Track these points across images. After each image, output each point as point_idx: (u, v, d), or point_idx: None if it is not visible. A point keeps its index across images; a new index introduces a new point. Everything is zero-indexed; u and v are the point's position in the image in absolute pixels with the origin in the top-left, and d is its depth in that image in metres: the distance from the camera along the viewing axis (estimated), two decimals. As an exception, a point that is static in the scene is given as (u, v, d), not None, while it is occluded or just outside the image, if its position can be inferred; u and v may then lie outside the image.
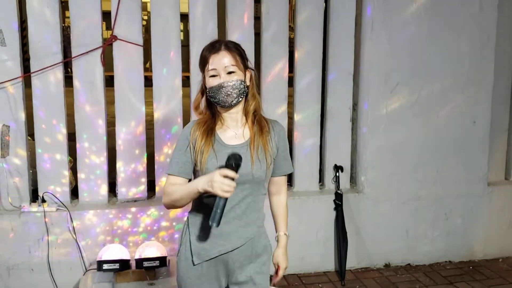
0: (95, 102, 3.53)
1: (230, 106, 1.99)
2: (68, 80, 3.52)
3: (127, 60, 3.54)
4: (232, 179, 1.78)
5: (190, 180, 2.00)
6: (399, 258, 4.12)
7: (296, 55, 3.82)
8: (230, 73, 1.95)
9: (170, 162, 2.03)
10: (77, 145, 3.57)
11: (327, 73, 3.90)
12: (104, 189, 3.63)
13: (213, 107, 2.04)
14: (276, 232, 2.23)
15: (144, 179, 3.71)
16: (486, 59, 4.02)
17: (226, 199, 1.79)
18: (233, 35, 3.62)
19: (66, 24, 9.46)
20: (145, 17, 8.56)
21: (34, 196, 3.56)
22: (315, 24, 3.79)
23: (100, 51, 3.48)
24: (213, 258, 2.02)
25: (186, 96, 3.67)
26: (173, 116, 3.66)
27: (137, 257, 3.30)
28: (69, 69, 3.82)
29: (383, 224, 4.04)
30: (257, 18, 3.66)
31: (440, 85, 3.97)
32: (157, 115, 3.66)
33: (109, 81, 3.62)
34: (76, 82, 3.50)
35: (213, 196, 1.82)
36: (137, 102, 3.60)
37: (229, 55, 1.96)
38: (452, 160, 4.09)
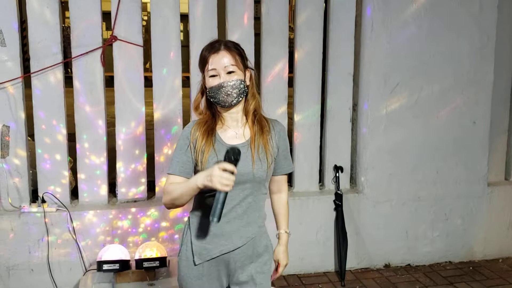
0: (95, 103, 3.53)
1: (230, 106, 1.99)
2: (68, 80, 3.51)
3: (127, 60, 3.54)
4: (232, 173, 1.77)
5: None
6: (399, 259, 4.12)
7: (296, 55, 3.82)
8: (230, 73, 1.96)
9: (170, 162, 2.03)
10: (77, 146, 3.57)
11: (327, 73, 3.90)
12: (104, 189, 3.63)
13: (213, 107, 2.04)
14: (277, 229, 2.24)
15: (144, 180, 3.71)
16: (486, 59, 4.02)
17: (226, 193, 1.78)
18: (233, 36, 3.62)
19: (66, 25, 9.46)
20: (145, 18, 8.58)
21: (34, 196, 3.56)
22: (315, 25, 3.79)
23: (100, 51, 3.48)
24: (215, 258, 2.02)
25: (186, 96, 3.67)
26: (173, 117, 3.66)
27: (137, 257, 3.30)
28: (69, 70, 3.82)
29: (383, 224, 4.04)
30: (257, 19, 3.66)
31: (440, 85, 3.97)
32: (157, 115, 3.66)
33: (109, 82, 3.62)
34: (76, 83, 3.50)
35: (214, 196, 1.82)
36: (137, 102, 3.60)
37: (229, 55, 1.96)
38: (452, 160, 4.09)
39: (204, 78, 2.01)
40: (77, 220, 3.50)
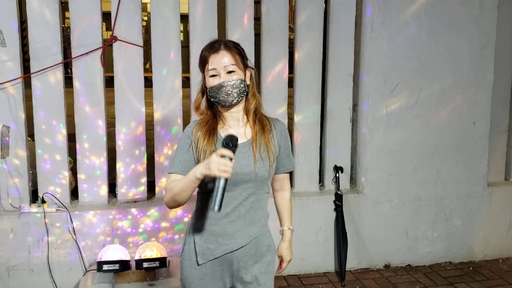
0: (95, 103, 3.53)
1: (231, 106, 1.99)
2: (68, 80, 3.52)
3: (127, 60, 3.54)
4: (230, 159, 1.76)
5: None
6: (399, 259, 4.12)
7: (296, 55, 3.82)
8: (230, 72, 1.96)
9: (172, 162, 2.03)
10: (77, 146, 3.56)
11: (327, 73, 3.90)
12: (104, 189, 3.63)
13: (214, 107, 2.04)
14: (281, 226, 2.25)
15: (144, 180, 3.71)
16: (486, 60, 4.02)
17: (226, 181, 1.76)
18: (233, 36, 3.62)
19: (66, 25, 9.46)
20: (145, 18, 8.58)
21: (34, 196, 3.56)
22: (315, 25, 3.79)
23: (100, 51, 3.48)
24: (218, 257, 2.02)
25: (186, 96, 3.67)
26: (173, 117, 3.66)
27: (137, 257, 3.30)
28: (69, 70, 3.82)
29: (383, 224, 4.04)
30: (257, 19, 3.66)
31: (440, 85, 3.97)
32: (157, 115, 3.66)
33: (109, 82, 3.62)
34: (76, 83, 3.50)
35: None
36: (137, 102, 3.60)
37: (229, 54, 1.96)
38: (452, 160, 4.09)
39: (204, 78, 2.02)
40: (77, 221, 3.50)
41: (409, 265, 4.14)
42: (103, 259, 3.25)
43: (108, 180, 3.65)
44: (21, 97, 3.42)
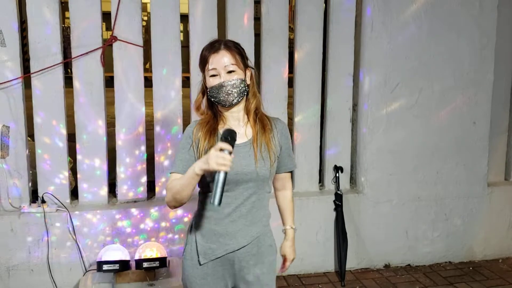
0: (95, 103, 3.53)
1: (231, 105, 1.99)
2: (68, 80, 3.51)
3: (127, 60, 3.54)
4: (230, 153, 1.76)
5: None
6: (399, 259, 4.12)
7: (296, 55, 3.82)
8: (230, 72, 1.96)
9: (173, 162, 2.03)
10: (77, 146, 3.56)
11: (327, 73, 3.90)
12: (104, 189, 3.63)
13: (214, 107, 2.04)
14: (283, 225, 2.26)
15: (144, 180, 3.71)
16: (486, 60, 4.02)
17: (225, 174, 1.76)
18: (233, 36, 3.61)
19: (66, 25, 9.46)
20: (145, 18, 8.58)
21: (34, 196, 3.56)
22: (315, 25, 3.79)
23: (100, 51, 3.48)
24: (219, 257, 2.02)
25: (186, 96, 3.67)
26: (173, 117, 3.66)
27: (137, 257, 3.30)
28: (69, 70, 3.82)
29: (383, 224, 4.04)
30: (257, 19, 3.66)
31: (440, 85, 3.97)
32: (157, 115, 3.66)
33: (109, 82, 3.62)
34: (76, 83, 3.50)
35: None
36: (137, 102, 3.60)
37: (229, 54, 1.96)
38: (452, 160, 4.09)
39: (204, 78, 2.02)
40: (77, 220, 3.50)
41: (409, 265, 4.14)
42: (103, 259, 3.25)
43: (108, 180, 3.65)
44: (21, 97, 3.42)
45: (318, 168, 4.01)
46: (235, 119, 2.03)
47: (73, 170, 3.74)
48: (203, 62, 1.99)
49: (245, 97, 2.03)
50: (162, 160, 3.69)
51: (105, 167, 3.60)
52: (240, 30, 3.66)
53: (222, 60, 1.95)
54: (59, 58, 3.43)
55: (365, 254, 4.05)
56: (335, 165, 3.97)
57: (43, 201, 3.47)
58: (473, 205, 4.19)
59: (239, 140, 1.99)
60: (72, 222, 3.48)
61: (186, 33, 4.74)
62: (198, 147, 1.98)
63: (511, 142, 4.38)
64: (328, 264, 3.98)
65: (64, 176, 3.56)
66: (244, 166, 1.96)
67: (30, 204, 3.49)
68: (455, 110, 4.03)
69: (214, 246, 2.02)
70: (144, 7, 3.84)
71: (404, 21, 3.85)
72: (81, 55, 3.44)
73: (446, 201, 4.12)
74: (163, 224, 3.65)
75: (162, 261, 3.27)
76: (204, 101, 2.06)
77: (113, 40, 3.50)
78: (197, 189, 2.08)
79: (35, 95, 3.44)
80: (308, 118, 3.89)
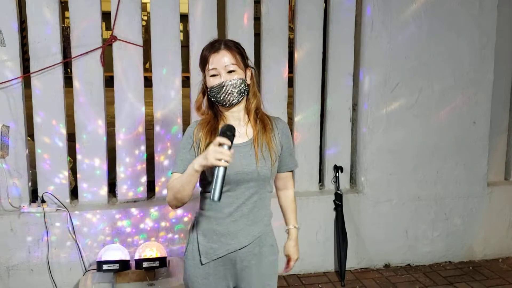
0: (95, 103, 3.53)
1: (232, 105, 1.99)
2: (68, 80, 3.51)
3: (127, 60, 3.54)
4: (229, 148, 1.76)
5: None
6: (399, 259, 4.12)
7: (296, 55, 3.81)
8: (230, 72, 1.96)
9: (174, 162, 2.03)
10: (77, 146, 3.56)
11: (327, 73, 3.90)
12: (103, 189, 3.63)
13: (215, 107, 2.04)
14: (286, 225, 2.25)
15: (144, 180, 3.70)
16: (486, 59, 4.02)
17: (225, 170, 1.75)
18: (233, 35, 3.61)
19: (66, 25, 9.46)
20: (145, 18, 8.57)
21: (34, 196, 3.56)
22: (315, 24, 3.78)
23: (100, 51, 3.48)
24: (221, 257, 2.02)
25: (186, 96, 3.67)
26: (173, 117, 3.66)
27: (136, 257, 3.30)
28: (69, 70, 3.82)
29: (383, 224, 4.04)
30: (257, 18, 3.66)
31: (440, 85, 3.97)
32: (157, 115, 3.65)
33: (109, 82, 3.62)
34: (75, 83, 3.50)
35: (223, 193, 1.82)
36: (137, 102, 3.60)
37: (229, 54, 1.96)
38: (452, 160, 4.09)
39: (205, 77, 2.02)
40: (77, 220, 3.50)
41: (409, 264, 4.14)
42: (103, 259, 3.25)
43: (108, 180, 3.65)
44: (21, 96, 3.42)
45: (318, 168, 4.01)
46: (236, 119, 2.03)
47: (73, 170, 3.74)
48: (204, 62, 1.99)
49: (245, 97, 2.03)
50: (162, 160, 3.69)
51: (105, 167, 3.60)
52: (240, 30, 3.66)
53: (223, 60, 1.95)
54: (59, 58, 3.43)
55: (365, 254, 4.05)
56: (335, 165, 3.97)
57: (43, 201, 3.47)
58: (473, 205, 4.19)
59: (240, 140, 1.99)
60: (72, 222, 3.47)
61: (186, 32, 4.74)
62: (199, 147, 1.98)
63: (511, 142, 4.38)
64: (328, 263, 3.98)
65: (64, 175, 3.56)
66: (245, 166, 1.96)
67: (30, 204, 3.49)
68: (455, 109, 4.03)
69: (215, 246, 2.02)
70: (144, 7, 3.84)
71: (404, 21, 3.85)
72: (81, 54, 3.44)
73: (446, 200, 4.12)
74: (163, 224, 3.65)
75: (162, 261, 3.27)
76: (205, 101, 2.06)
77: (113, 40, 3.50)
78: (199, 189, 2.08)
79: (35, 95, 3.44)
80: (308, 117, 3.89)
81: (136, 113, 3.61)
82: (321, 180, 4.06)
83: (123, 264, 3.23)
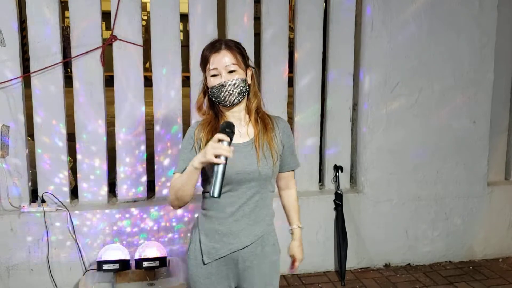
0: (94, 103, 3.53)
1: (232, 105, 2.00)
2: (68, 80, 3.51)
3: (127, 60, 3.54)
4: (229, 144, 1.77)
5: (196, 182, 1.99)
6: (399, 258, 4.12)
7: (296, 55, 3.81)
8: (231, 72, 1.96)
9: (176, 163, 2.04)
10: (77, 145, 3.56)
11: (327, 73, 3.90)
12: (104, 189, 3.63)
13: (215, 107, 2.05)
14: (290, 225, 2.25)
15: (144, 179, 3.70)
16: (486, 59, 4.02)
17: (224, 166, 1.76)
18: (233, 35, 3.61)
19: (66, 24, 9.46)
20: (145, 17, 8.57)
21: (34, 196, 3.56)
22: (315, 24, 3.78)
23: (100, 51, 3.48)
24: (223, 257, 2.03)
25: (186, 96, 3.67)
26: (173, 116, 3.66)
27: (137, 257, 3.30)
28: (68, 69, 3.81)
29: (383, 224, 4.04)
30: (257, 18, 3.66)
31: (440, 85, 3.97)
32: (156, 115, 3.65)
33: (109, 82, 3.62)
34: (75, 83, 3.50)
35: (223, 193, 1.85)
36: (137, 102, 3.59)
37: (230, 54, 1.96)
38: (452, 160, 4.09)
39: (205, 77, 2.02)
40: (77, 220, 3.50)
41: (409, 264, 4.14)
42: (103, 259, 3.25)
43: (108, 180, 3.64)
44: (21, 97, 3.42)
45: (318, 168, 4.01)
46: (237, 118, 2.03)
47: (73, 170, 3.74)
48: (204, 62, 2.00)
49: (246, 97, 2.03)
50: (162, 159, 3.69)
51: (105, 166, 3.60)
52: (240, 30, 3.65)
53: (223, 60, 1.95)
54: (58, 57, 3.43)
55: (365, 254, 4.05)
56: (335, 165, 3.97)
57: (43, 201, 3.47)
58: (473, 205, 4.19)
59: (241, 140, 2.00)
60: (72, 222, 3.47)
61: (186, 32, 4.73)
62: (200, 147, 1.98)
63: (511, 142, 4.38)
64: (328, 263, 3.98)
65: (64, 175, 3.56)
66: (246, 166, 1.96)
67: (30, 204, 3.49)
68: (455, 109, 4.03)
69: (217, 245, 2.02)
70: (144, 7, 3.84)
71: (404, 21, 3.85)
72: (80, 54, 3.44)
73: (446, 200, 4.12)
74: (163, 223, 3.65)
75: (162, 261, 3.27)
76: (206, 101, 2.06)
77: (113, 40, 3.50)
78: (201, 189, 2.08)
79: (35, 95, 3.44)
80: (308, 117, 3.88)
81: (136, 113, 3.60)
82: (321, 180, 4.06)
83: (123, 264, 3.23)
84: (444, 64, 3.95)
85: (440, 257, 4.19)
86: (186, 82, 3.57)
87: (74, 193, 3.69)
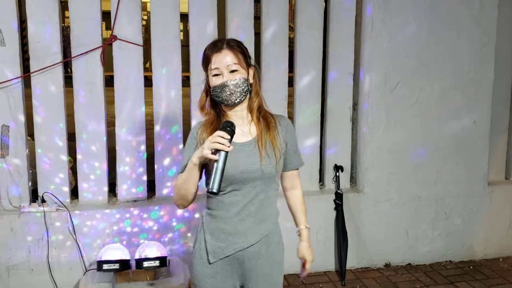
0: (95, 102, 3.53)
1: (234, 105, 2.00)
2: (68, 80, 3.51)
3: (127, 60, 3.54)
4: (229, 142, 1.79)
5: (199, 180, 2.00)
6: (400, 258, 4.12)
7: (296, 55, 3.81)
8: (232, 71, 1.96)
9: (180, 164, 2.06)
10: (77, 145, 3.56)
11: (327, 73, 3.90)
12: (104, 189, 3.62)
13: (218, 106, 2.05)
14: (297, 226, 2.23)
15: (144, 179, 3.70)
16: (486, 59, 4.02)
17: (224, 162, 1.78)
18: (233, 35, 3.61)
19: (65, 24, 9.46)
20: (145, 17, 8.57)
21: (34, 196, 3.56)
22: (315, 24, 3.78)
23: (100, 51, 3.48)
24: (228, 256, 2.03)
25: (186, 96, 3.67)
26: (173, 116, 3.66)
27: (137, 257, 3.30)
28: (69, 69, 3.82)
29: (383, 224, 4.04)
30: (257, 18, 3.66)
31: (440, 85, 3.97)
32: (157, 115, 3.65)
33: (109, 81, 3.62)
34: (75, 82, 3.50)
35: (228, 193, 1.89)
36: (137, 102, 3.59)
37: (231, 53, 1.97)
38: (452, 160, 4.08)
39: (207, 77, 2.02)
40: (77, 220, 3.49)
41: (409, 264, 4.14)
42: (103, 259, 3.25)
43: (108, 180, 3.64)
44: (21, 96, 3.41)
45: (318, 168, 4.01)
46: (239, 117, 2.04)
47: (73, 170, 3.74)
48: (206, 61, 2.00)
49: (248, 96, 2.03)
50: (162, 159, 3.69)
51: (105, 166, 3.60)
52: (240, 29, 3.65)
53: (225, 59, 1.96)
54: (59, 57, 3.42)
55: (366, 253, 4.05)
56: (335, 164, 3.97)
57: (43, 201, 3.47)
58: (473, 204, 4.19)
59: (243, 139, 2.01)
60: (72, 222, 3.47)
61: (186, 32, 4.73)
62: None
63: (511, 141, 4.38)
64: (328, 263, 3.98)
65: (64, 175, 3.56)
66: (249, 165, 1.97)
67: (30, 204, 3.49)
68: (455, 109, 4.03)
69: (223, 245, 2.02)
70: (144, 6, 3.85)
71: (404, 20, 3.85)
72: (81, 54, 3.44)
73: (446, 200, 4.12)
74: (163, 223, 3.64)
75: (162, 261, 3.26)
76: (208, 100, 2.06)
77: (113, 39, 3.50)
78: (205, 188, 2.08)
79: (35, 95, 3.43)
80: (308, 117, 3.88)
81: (136, 113, 3.60)
82: (321, 179, 4.06)
83: (123, 264, 3.23)
84: (444, 64, 3.95)
85: (440, 257, 4.19)
86: (186, 82, 3.57)
87: (74, 193, 3.69)
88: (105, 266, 3.19)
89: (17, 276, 3.46)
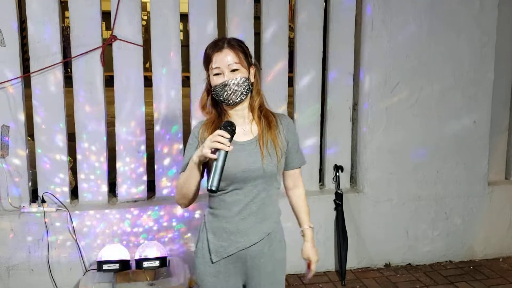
0: (95, 102, 3.53)
1: (235, 104, 2.00)
2: (68, 80, 3.51)
3: (127, 60, 3.54)
4: (229, 141, 1.79)
5: (200, 179, 2.00)
6: (400, 258, 4.11)
7: (296, 55, 3.81)
8: (233, 71, 1.97)
9: (182, 163, 2.06)
10: (77, 145, 3.56)
11: (327, 73, 3.90)
12: (104, 189, 3.62)
13: (219, 106, 2.05)
14: (300, 226, 2.22)
15: (144, 179, 3.70)
16: (486, 59, 4.02)
17: (224, 160, 1.77)
18: (233, 35, 3.59)
19: (65, 24, 9.46)
20: (145, 17, 8.57)
21: (34, 196, 3.56)
22: (315, 24, 3.78)
23: (99, 51, 3.48)
24: (231, 255, 2.03)
25: (186, 96, 3.67)
26: (173, 116, 3.66)
27: (137, 257, 3.30)
28: (69, 69, 3.81)
29: (383, 224, 4.04)
30: (257, 18, 3.66)
31: (440, 84, 3.97)
32: (156, 115, 3.65)
33: (109, 81, 3.61)
34: (75, 82, 3.50)
35: (229, 192, 1.90)
36: (137, 102, 3.59)
37: (232, 52, 1.97)
38: (452, 160, 4.08)
39: (208, 76, 2.02)
40: (77, 220, 3.49)
41: (409, 264, 4.14)
42: (103, 259, 3.25)
43: (108, 180, 3.64)
44: (21, 96, 3.41)
45: (318, 168, 4.01)
46: (240, 116, 2.04)
47: (73, 170, 3.74)
48: (207, 60, 2.00)
49: (249, 95, 2.03)
50: (162, 159, 3.69)
51: (105, 166, 3.60)
52: (240, 29, 3.65)
53: (226, 58, 1.96)
54: (58, 57, 3.42)
55: (366, 253, 4.05)
56: (335, 164, 3.97)
57: (43, 201, 3.47)
58: (473, 204, 4.19)
59: (245, 138, 2.01)
60: (72, 222, 3.47)
61: (186, 32, 4.73)
62: None
63: (511, 141, 4.38)
64: (328, 263, 3.98)
65: (64, 175, 3.55)
66: (251, 163, 1.97)
67: (30, 204, 3.49)
68: (455, 109, 4.03)
69: (225, 244, 2.03)
70: (144, 6, 3.84)
71: (404, 20, 3.85)
72: (80, 54, 3.44)
73: (446, 200, 4.12)
74: (163, 223, 3.64)
75: (162, 261, 3.26)
76: (209, 99, 2.06)
77: (113, 40, 3.50)
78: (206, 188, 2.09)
79: (35, 95, 3.43)
80: (308, 117, 3.88)
81: (136, 113, 3.60)
82: (321, 179, 4.06)
83: (123, 264, 3.23)
84: (444, 64, 3.95)
85: (440, 257, 4.19)
86: (186, 82, 3.57)
87: (74, 193, 3.69)
88: (105, 266, 3.20)
89: (17, 276, 3.46)
